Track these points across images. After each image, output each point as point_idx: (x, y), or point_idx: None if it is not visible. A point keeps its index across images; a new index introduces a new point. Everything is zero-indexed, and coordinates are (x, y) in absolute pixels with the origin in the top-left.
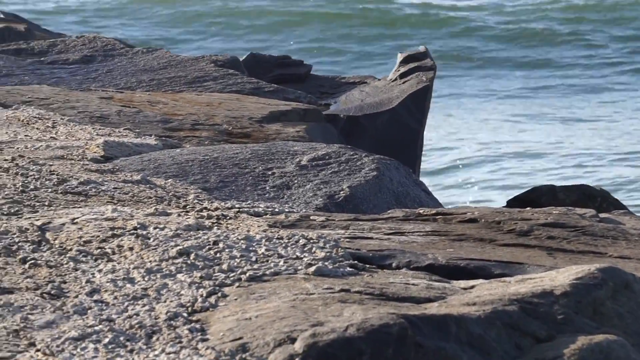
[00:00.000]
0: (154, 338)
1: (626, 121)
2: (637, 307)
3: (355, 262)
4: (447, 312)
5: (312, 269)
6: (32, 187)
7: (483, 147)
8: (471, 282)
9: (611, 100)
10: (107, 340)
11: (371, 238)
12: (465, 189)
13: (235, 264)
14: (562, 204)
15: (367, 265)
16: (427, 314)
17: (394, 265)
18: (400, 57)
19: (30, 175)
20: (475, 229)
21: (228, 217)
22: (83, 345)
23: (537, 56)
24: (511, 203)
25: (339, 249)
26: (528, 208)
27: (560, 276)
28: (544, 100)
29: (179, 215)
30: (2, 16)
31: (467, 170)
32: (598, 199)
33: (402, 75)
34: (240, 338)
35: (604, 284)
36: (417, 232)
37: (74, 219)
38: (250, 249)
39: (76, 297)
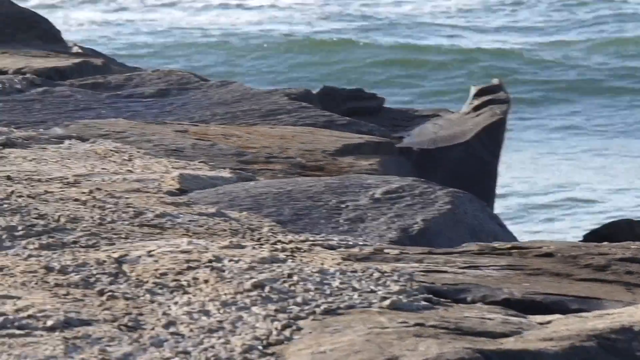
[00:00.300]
0: None
1: None
2: None
3: (430, 295)
4: (524, 347)
5: (387, 302)
6: (109, 219)
7: (554, 181)
8: (548, 317)
9: None
10: None
11: (446, 272)
12: (537, 221)
13: (310, 297)
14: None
15: (442, 299)
16: (503, 349)
17: (469, 299)
18: (473, 90)
19: (107, 208)
20: (551, 263)
21: (302, 250)
22: None
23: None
24: (588, 237)
25: (414, 282)
26: (605, 242)
27: (639, 312)
28: (620, 131)
29: (254, 247)
30: (80, 51)
31: (539, 203)
32: None
33: (476, 108)
34: None
35: None
36: (492, 266)
37: (150, 251)
38: (325, 282)
39: (152, 329)
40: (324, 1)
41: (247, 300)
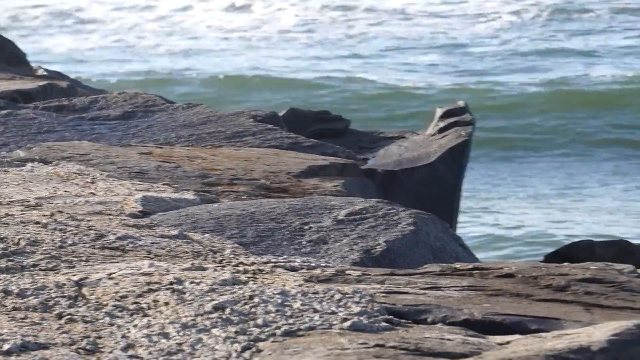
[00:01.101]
0: None
1: None
2: None
3: (391, 317)
4: None
5: (347, 323)
6: (70, 242)
7: (520, 199)
8: (507, 338)
9: None
10: None
11: (407, 293)
12: (500, 241)
13: (271, 318)
14: (600, 259)
15: (403, 320)
16: None
17: (429, 320)
18: (439, 111)
19: (69, 231)
20: (512, 284)
21: (264, 272)
22: None
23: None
24: (549, 258)
25: (375, 303)
26: (565, 263)
27: (598, 332)
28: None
29: (215, 270)
30: (45, 73)
31: (501, 222)
32: (637, 254)
33: (441, 130)
34: None
35: None
36: (453, 287)
37: (111, 274)
38: (286, 303)
39: (111, 352)
40: None
41: (208, 323)
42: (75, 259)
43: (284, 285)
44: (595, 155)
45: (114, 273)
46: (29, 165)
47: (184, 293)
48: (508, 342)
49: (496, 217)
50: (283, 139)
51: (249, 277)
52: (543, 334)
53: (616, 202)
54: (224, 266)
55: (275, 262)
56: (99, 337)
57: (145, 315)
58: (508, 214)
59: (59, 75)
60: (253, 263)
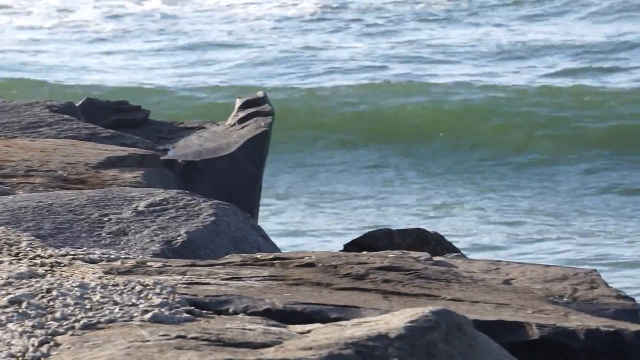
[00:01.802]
0: None
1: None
2: (469, 349)
3: (192, 308)
4: (284, 357)
5: (148, 315)
6: None
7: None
8: (308, 327)
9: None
10: None
11: (208, 284)
12: (302, 233)
13: (69, 311)
14: (398, 247)
15: (204, 311)
16: (263, 359)
17: (231, 310)
18: (238, 102)
19: None
20: (312, 273)
21: (62, 265)
22: None
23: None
24: (348, 247)
25: (176, 295)
26: (364, 252)
27: (395, 319)
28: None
29: (11, 263)
30: None
31: (302, 213)
32: (432, 242)
33: (241, 121)
34: None
35: (437, 326)
36: (254, 277)
37: None
38: (85, 296)
39: None
40: None
41: (3, 317)
42: None
43: (83, 278)
44: (391, 154)
45: None
46: None
47: None
48: (309, 331)
49: (299, 209)
50: (80, 129)
51: (47, 270)
52: (343, 322)
53: (416, 195)
54: (20, 259)
55: (74, 255)
56: None
57: None
58: (310, 205)
59: None
60: (51, 256)
